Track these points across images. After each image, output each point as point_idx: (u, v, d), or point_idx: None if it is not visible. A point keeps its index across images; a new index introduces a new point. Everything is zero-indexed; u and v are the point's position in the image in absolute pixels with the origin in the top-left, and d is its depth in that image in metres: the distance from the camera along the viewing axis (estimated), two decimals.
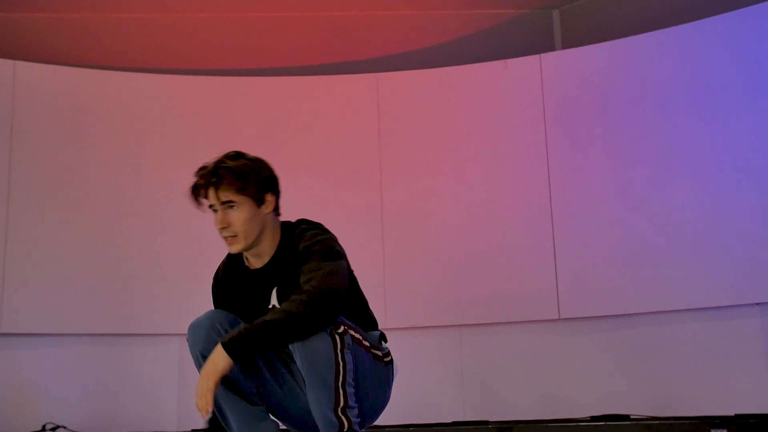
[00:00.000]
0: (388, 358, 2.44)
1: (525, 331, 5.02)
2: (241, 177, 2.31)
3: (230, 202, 2.32)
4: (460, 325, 5.10)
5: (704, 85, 4.83)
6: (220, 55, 5.82)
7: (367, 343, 2.34)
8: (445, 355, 5.10)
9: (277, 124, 5.40)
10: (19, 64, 5.15)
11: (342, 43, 5.89)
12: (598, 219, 4.96)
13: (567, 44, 5.86)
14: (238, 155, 2.38)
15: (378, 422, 4.49)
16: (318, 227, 2.47)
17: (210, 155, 5.25)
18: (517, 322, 5.02)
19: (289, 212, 5.22)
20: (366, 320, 2.48)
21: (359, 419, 2.25)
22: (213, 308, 2.50)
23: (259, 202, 2.36)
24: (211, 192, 2.32)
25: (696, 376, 4.58)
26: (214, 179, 2.31)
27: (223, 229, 2.33)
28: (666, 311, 4.71)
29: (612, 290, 4.83)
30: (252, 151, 5.47)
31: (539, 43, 5.85)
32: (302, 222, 2.52)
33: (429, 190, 5.29)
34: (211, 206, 2.36)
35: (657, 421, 4.21)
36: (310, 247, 2.31)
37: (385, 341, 2.50)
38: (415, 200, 5.28)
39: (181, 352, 4.84)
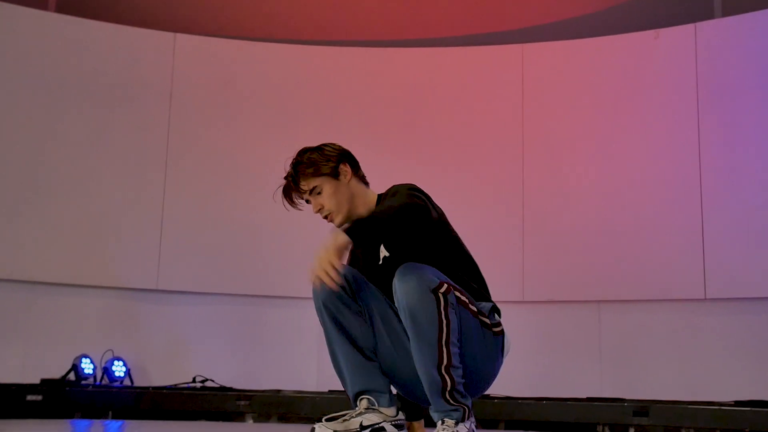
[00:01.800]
0: (497, 329, 2.42)
1: (668, 310, 4.87)
2: (311, 163, 2.57)
3: (314, 188, 2.56)
4: (600, 301, 5.01)
5: None
6: (367, 26, 5.92)
7: (473, 308, 2.34)
8: (584, 331, 5.03)
9: (421, 95, 5.45)
10: (179, 36, 5.43)
11: (487, 14, 5.85)
12: (751, 196, 4.72)
13: (728, 11, 5.54)
14: (303, 150, 2.63)
15: (512, 394, 4.52)
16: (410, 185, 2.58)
17: (356, 125, 5.41)
18: (660, 300, 4.88)
19: (432, 182, 5.26)
20: (477, 290, 2.49)
21: (464, 380, 2.28)
22: None
23: (336, 175, 2.57)
24: (299, 189, 2.58)
25: None
26: (293, 177, 2.58)
27: (319, 212, 2.58)
28: None
29: (763, 270, 4.60)
30: (397, 121, 5.60)
31: (696, 11, 5.58)
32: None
33: (572, 164, 5.19)
34: (306, 201, 2.62)
35: None
36: (396, 187, 2.52)
37: (499, 315, 2.49)
38: (557, 174, 5.20)
39: None
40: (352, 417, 2.36)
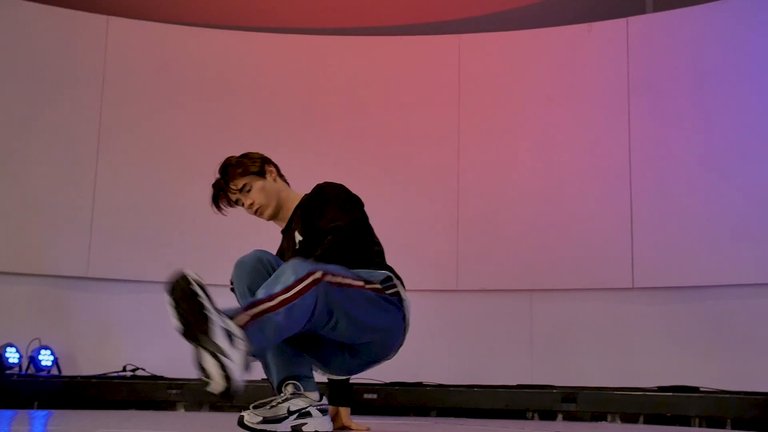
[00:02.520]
0: (391, 290, 2.51)
1: (597, 299, 4.97)
2: (238, 165, 2.81)
3: (243, 186, 2.79)
4: (532, 290, 5.09)
5: None
6: (305, 14, 5.89)
7: (358, 282, 2.39)
8: (516, 319, 5.10)
9: (358, 83, 5.45)
10: (112, 19, 5.33)
11: (425, 4, 5.87)
12: (679, 188, 4.84)
13: (659, 7, 5.66)
14: (228, 157, 2.86)
15: (444, 382, 4.57)
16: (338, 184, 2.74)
17: (292, 113, 5.40)
18: (589, 289, 4.98)
19: (369, 171, 5.28)
20: (370, 262, 2.59)
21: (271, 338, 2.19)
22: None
23: (262, 174, 2.82)
24: (229, 190, 2.80)
25: None
26: (223, 179, 2.81)
27: (250, 206, 2.80)
28: (745, 284, 4.59)
29: (689, 261, 4.73)
30: (333, 109, 5.60)
31: (628, 6, 5.68)
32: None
33: (507, 154, 5.25)
34: (236, 202, 2.84)
35: (726, 395, 4.11)
36: (327, 191, 2.69)
37: (390, 281, 2.54)
38: (492, 163, 5.26)
39: None
40: (279, 403, 2.37)
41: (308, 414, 2.38)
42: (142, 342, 5.04)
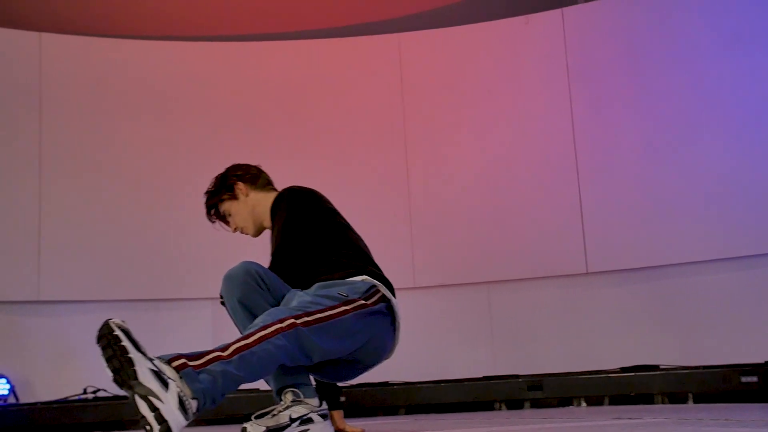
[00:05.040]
0: (370, 300, 2.50)
1: (553, 286, 5.07)
2: (213, 195, 2.88)
3: (223, 213, 2.88)
4: (489, 282, 5.16)
5: (731, 37, 4.80)
6: (242, 21, 5.84)
7: (331, 312, 2.36)
8: (475, 312, 5.16)
9: (301, 87, 5.44)
10: (45, 35, 5.20)
11: (363, 5, 5.88)
12: (623, 173, 4.97)
13: None
14: (212, 181, 2.91)
15: (410, 379, 4.59)
16: (289, 189, 2.76)
17: (236, 121, 5.33)
18: (545, 277, 5.07)
19: (315, 173, 5.27)
20: (340, 266, 2.61)
21: (216, 379, 2.10)
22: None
23: (233, 197, 2.85)
24: (221, 221, 2.92)
25: (725, 324, 4.61)
26: (211, 216, 2.91)
27: (235, 231, 2.89)
28: (693, 262, 4.75)
29: (639, 243, 4.86)
30: (275, 115, 5.56)
31: None
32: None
33: (454, 149, 5.32)
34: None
35: (687, 370, 4.25)
36: (277, 201, 2.75)
37: (372, 288, 2.54)
38: (440, 159, 5.32)
39: (215, 316, 4.92)
40: (280, 411, 2.35)
41: (310, 420, 2.37)
42: (100, 363, 4.92)
